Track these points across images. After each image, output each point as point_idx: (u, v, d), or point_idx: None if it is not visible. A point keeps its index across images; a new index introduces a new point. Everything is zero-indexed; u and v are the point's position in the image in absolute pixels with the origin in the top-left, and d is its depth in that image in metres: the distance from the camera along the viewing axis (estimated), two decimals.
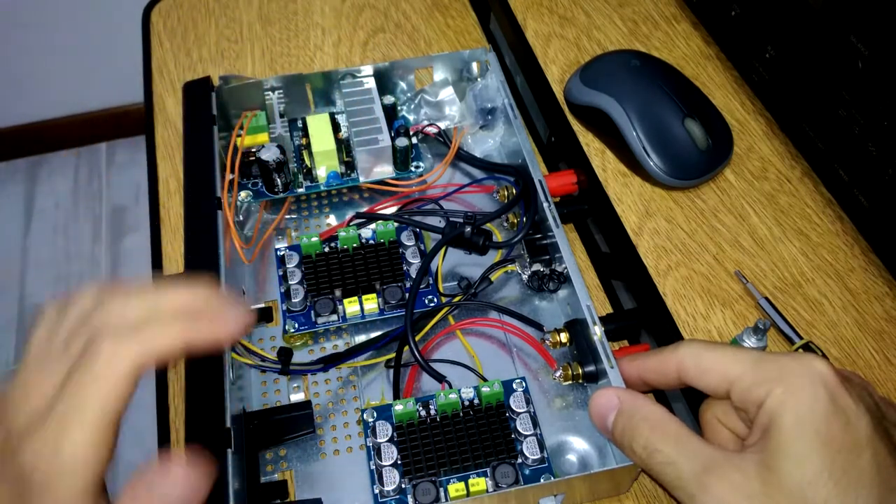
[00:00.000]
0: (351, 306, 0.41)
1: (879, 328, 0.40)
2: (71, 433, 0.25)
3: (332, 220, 0.48)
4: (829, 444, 0.26)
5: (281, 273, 0.43)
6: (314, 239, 0.43)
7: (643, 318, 0.41)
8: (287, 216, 0.48)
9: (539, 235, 0.44)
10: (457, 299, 0.42)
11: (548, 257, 0.43)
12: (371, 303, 0.41)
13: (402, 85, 0.51)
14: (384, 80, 0.50)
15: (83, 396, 0.25)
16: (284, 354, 0.40)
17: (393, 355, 0.40)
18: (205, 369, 0.36)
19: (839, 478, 0.26)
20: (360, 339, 0.42)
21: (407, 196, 0.47)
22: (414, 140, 0.49)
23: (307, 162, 0.47)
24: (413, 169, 0.48)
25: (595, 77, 0.49)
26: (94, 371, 0.25)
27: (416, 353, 0.38)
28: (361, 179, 0.47)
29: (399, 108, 0.51)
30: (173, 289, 0.28)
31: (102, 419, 0.25)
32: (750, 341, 0.38)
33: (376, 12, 0.61)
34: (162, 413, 0.41)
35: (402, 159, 0.47)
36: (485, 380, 0.39)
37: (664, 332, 0.39)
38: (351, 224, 0.45)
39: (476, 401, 0.37)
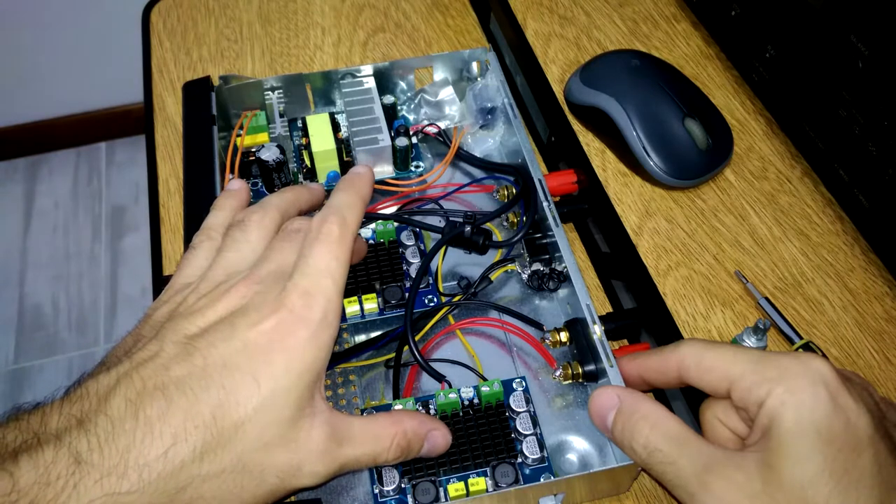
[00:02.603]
0: (351, 306, 0.41)
1: (879, 328, 0.40)
2: (314, 249, 0.32)
3: None
4: (830, 444, 0.26)
5: None
6: None
7: (643, 317, 0.41)
8: None
9: (539, 235, 0.44)
10: (457, 299, 0.42)
11: (548, 256, 0.43)
12: (371, 302, 0.41)
13: (402, 85, 0.51)
14: (384, 80, 0.50)
15: (318, 236, 0.32)
16: None
17: (393, 355, 0.40)
18: None
19: (840, 477, 0.26)
20: (360, 338, 0.42)
21: (407, 196, 0.47)
22: (414, 140, 0.49)
23: (307, 162, 0.47)
24: (413, 169, 0.48)
25: (595, 77, 0.49)
26: (319, 230, 0.32)
27: (415, 352, 0.38)
28: None
29: (399, 107, 0.51)
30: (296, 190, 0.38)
31: (340, 241, 0.32)
32: (750, 341, 0.38)
33: (376, 12, 0.61)
34: None
35: (402, 159, 0.47)
36: (485, 379, 0.39)
37: (664, 331, 0.39)
38: None
39: (476, 400, 0.37)
